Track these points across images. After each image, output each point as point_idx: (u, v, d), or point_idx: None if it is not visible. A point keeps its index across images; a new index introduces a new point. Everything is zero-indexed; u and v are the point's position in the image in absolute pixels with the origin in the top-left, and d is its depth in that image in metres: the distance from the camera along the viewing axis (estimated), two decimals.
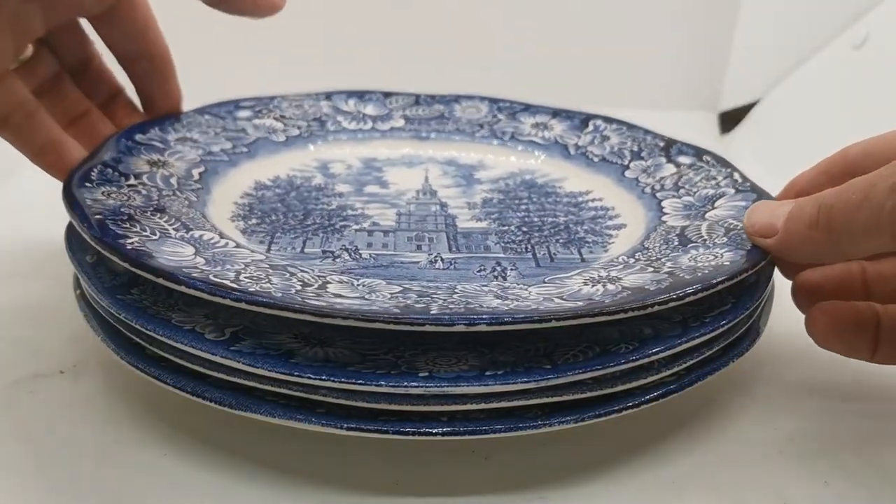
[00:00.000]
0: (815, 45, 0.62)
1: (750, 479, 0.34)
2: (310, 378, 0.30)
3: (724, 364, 0.34)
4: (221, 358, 0.30)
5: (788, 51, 0.64)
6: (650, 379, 0.32)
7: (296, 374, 0.30)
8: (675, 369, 0.33)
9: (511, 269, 0.38)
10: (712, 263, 0.34)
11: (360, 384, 0.30)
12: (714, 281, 0.32)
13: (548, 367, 0.30)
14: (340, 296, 0.32)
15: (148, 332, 0.32)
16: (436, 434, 0.30)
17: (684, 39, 0.69)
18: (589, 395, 0.31)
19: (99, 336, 0.35)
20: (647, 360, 0.31)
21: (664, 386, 0.33)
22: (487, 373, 0.30)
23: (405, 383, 0.29)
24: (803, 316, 0.37)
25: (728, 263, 0.34)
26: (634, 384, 0.32)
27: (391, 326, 0.29)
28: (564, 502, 0.32)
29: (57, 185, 0.38)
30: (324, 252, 0.39)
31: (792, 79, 0.64)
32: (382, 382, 0.29)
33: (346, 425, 0.30)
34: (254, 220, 0.41)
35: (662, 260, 0.36)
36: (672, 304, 0.31)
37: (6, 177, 0.57)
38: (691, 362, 0.33)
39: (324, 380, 0.30)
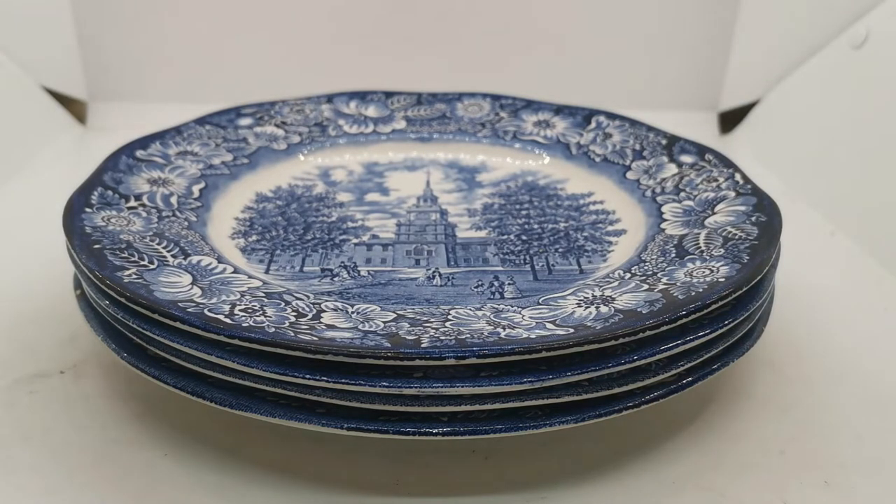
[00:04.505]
0: (815, 45, 0.62)
1: (750, 479, 0.34)
2: (305, 378, 0.30)
3: (724, 364, 0.34)
4: (218, 358, 0.30)
5: (788, 51, 0.64)
6: (650, 381, 0.32)
7: (291, 373, 0.30)
8: (675, 371, 0.33)
9: (509, 284, 0.38)
10: (707, 279, 0.34)
11: (355, 384, 0.30)
12: (706, 302, 0.32)
13: (544, 369, 0.30)
14: (334, 327, 0.32)
15: (148, 333, 0.32)
16: (436, 434, 0.30)
17: (684, 39, 0.69)
18: (586, 396, 0.31)
19: (99, 336, 0.35)
20: (646, 361, 0.31)
21: (665, 386, 0.33)
22: (483, 374, 0.30)
23: (400, 384, 0.30)
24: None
25: (723, 280, 0.34)
26: (634, 386, 0.32)
27: (381, 362, 0.29)
28: (564, 502, 0.32)
29: (57, 186, 0.38)
30: (322, 271, 0.39)
31: (792, 79, 0.64)
32: (377, 383, 0.29)
33: (346, 425, 0.31)
34: (254, 237, 0.41)
35: (658, 275, 0.36)
36: (663, 328, 0.31)
37: (7, 177, 0.57)
38: (691, 364, 0.33)
39: (319, 380, 0.30)
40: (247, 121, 0.49)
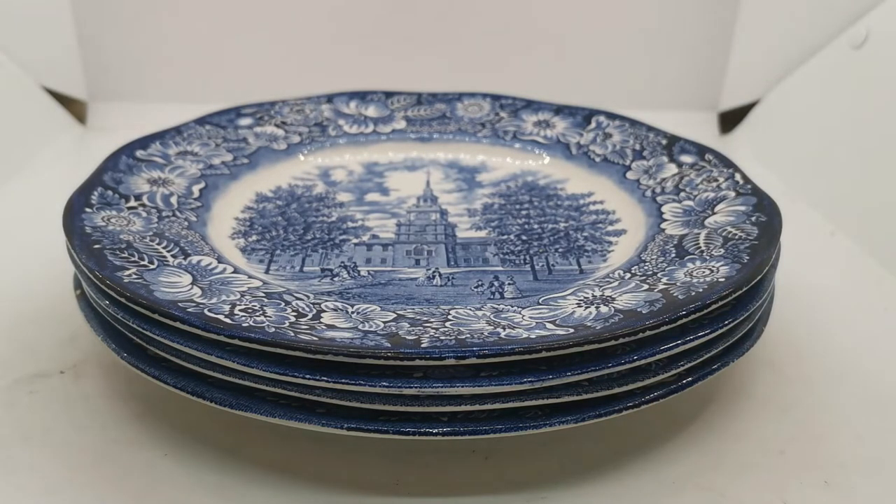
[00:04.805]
0: (815, 45, 0.62)
1: (750, 479, 0.34)
2: (305, 378, 0.30)
3: (724, 364, 0.34)
4: (218, 358, 0.30)
5: (788, 51, 0.64)
6: (650, 381, 0.32)
7: (291, 373, 0.30)
8: (675, 371, 0.33)
9: (509, 284, 0.38)
10: (707, 279, 0.34)
11: (355, 384, 0.30)
12: (706, 302, 0.32)
13: (544, 369, 0.30)
14: (334, 327, 0.32)
15: (148, 333, 0.32)
16: (436, 434, 0.30)
17: (684, 39, 0.69)
18: (586, 396, 0.31)
19: (99, 336, 0.35)
20: (646, 361, 0.31)
21: (665, 386, 0.33)
22: (483, 374, 0.30)
23: (400, 384, 0.30)
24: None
25: (723, 280, 0.34)
26: (634, 386, 0.32)
27: (381, 362, 0.29)
28: (564, 502, 0.32)
29: (57, 186, 0.38)
30: (322, 271, 0.39)
31: (792, 79, 0.64)
32: (377, 383, 0.29)
33: (346, 425, 0.31)
34: (254, 237, 0.41)
35: (658, 275, 0.36)
36: (663, 328, 0.31)
37: (7, 177, 0.57)
38: (691, 364, 0.33)
39: (319, 380, 0.30)
40: (247, 121, 0.49)
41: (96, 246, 0.35)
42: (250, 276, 0.36)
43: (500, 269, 0.39)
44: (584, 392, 0.31)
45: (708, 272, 0.35)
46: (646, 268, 0.37)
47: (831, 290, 0.47)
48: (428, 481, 0.33)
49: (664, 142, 0.47)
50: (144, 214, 0.39)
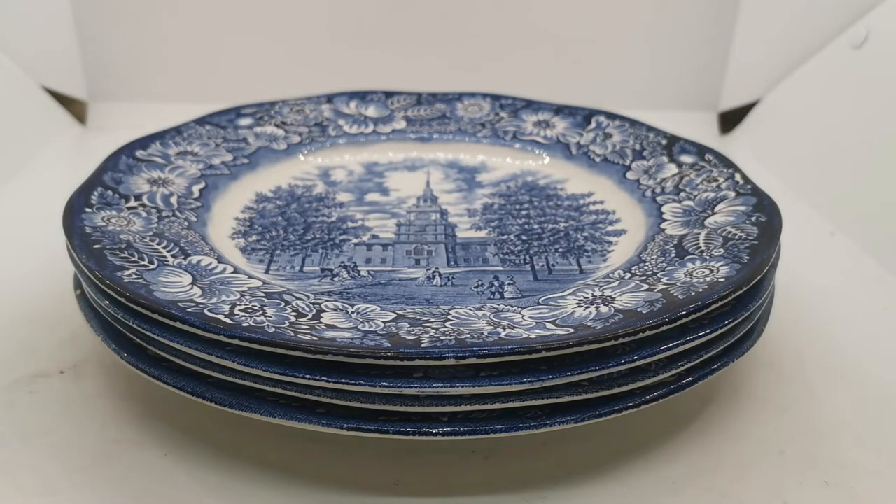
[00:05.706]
0: (815, 45, 0.62)
1: (750, 479, 0.34)
2: (305, 378, 0.30)
3: (724, 364, 0.34)
4: (218, 358, 0.30)
5: (788, 51, 0.64)
6: (650, 381, 0.32)
7: (291, 373, 0.30)
8: (675, 371, 0.33)
9: (509, 284, 0.38)
10: (707, 279, 0.34)
11: (355, 384, 0.30)
12: (706, 302, 0.32)
13: (544, 369, 0.30)
14: (334, 327, 0.32)
15: (148, 333, 0.32)
16: (436, 434, 0.30)
17: (684, 39, 0.69)
18: (586, 396, 0.31)
19: (99, 336, 0.35)
20: (646, 361, 0.31)
21: (665, 386, 0.33)
22: (483, 374, 0.30)
23: (400, 384, 0.30)
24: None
25: (723, 280, 0.34)
26: (634, 386, 0.32)
27: (381, 362, 0.29)
28: (564, 502, 0.32)
29: (57, 186, 0.38)
30: (322, 271, 0.39)
31: (792, 79, 0.64)
32: (377, 383, 0.29)
33: (346, 425, 0.31)
34: (254, 237, 0.41)
35: (658, 275, 0.36)
36: (663, 328, 0.31)
37: (7, 177, 0.57)
38: (691, 364, 0.33)
39: (319, 380, 0.30)
40: (247, 121, 0.49)
41: (96, 246, 0.35)
42: (250, 276, 0.36)
43: (500, 269, 0.39)
44: (584, 392, 0.31)
45: (708, 272, 0.35)
46: (646, 268, 0.37)
47: (831, 290, 0.47)
48: (428, 481, 0.33)
49: (664, 142, 0.47)
50: (144, 214, 0.39)
